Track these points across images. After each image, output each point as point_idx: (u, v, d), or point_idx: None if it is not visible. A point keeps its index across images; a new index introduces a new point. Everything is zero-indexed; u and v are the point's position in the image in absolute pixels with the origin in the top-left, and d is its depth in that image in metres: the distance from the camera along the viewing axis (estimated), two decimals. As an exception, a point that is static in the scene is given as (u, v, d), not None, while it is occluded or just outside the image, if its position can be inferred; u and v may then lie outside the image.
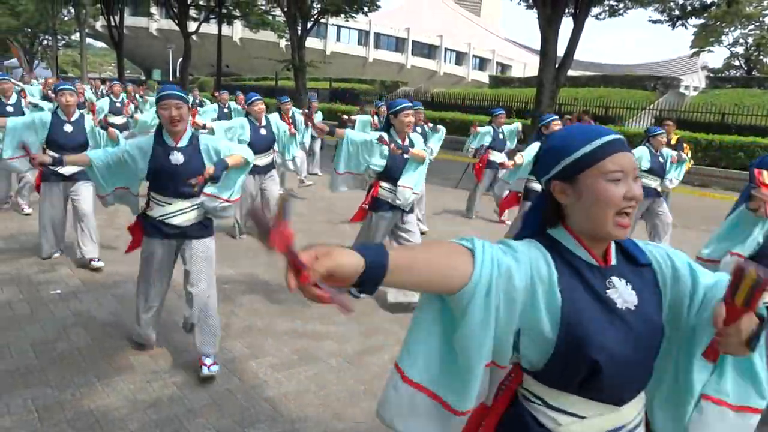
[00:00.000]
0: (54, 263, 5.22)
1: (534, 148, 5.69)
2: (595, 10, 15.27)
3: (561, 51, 13.48)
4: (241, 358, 3.58)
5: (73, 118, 4.94)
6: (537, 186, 5.17)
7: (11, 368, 3.30)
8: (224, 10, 27.72)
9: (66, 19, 44.28)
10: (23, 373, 3.26)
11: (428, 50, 62.00)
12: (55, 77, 35.44)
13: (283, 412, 3.04)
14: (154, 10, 40.33)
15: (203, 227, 3.38)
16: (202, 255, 3.35)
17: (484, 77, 54.10)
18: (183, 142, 3.22)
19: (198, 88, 29.66)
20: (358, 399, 3.20)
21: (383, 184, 4.42)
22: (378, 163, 4.40)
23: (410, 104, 4.43)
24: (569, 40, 13.23)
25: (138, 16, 48.09)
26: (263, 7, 28.33)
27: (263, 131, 6.18)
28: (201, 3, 27.93)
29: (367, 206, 4.48)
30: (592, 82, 29.43)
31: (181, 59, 28.47)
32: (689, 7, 15.64)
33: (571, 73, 17.57)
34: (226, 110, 10.48)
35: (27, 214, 6.81)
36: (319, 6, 20.87)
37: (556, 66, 13.19)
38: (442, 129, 8.33)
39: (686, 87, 26.73)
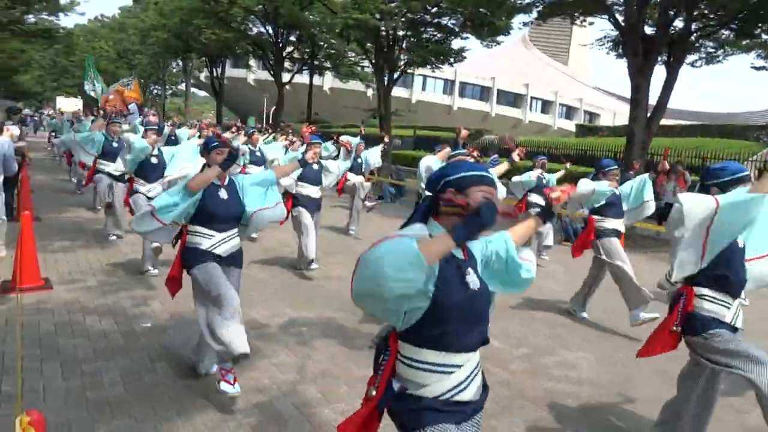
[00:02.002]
0: (147, 297, 5.52)
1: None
2: (690, 58, 14.69)
3: (654, 98, 13.02)
4: (314, 403, 3.59)
5: (226, 182, 3.79)
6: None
7: (103, 397, 3.49)
8: (316, 62, 29.18)
9: (174, 70, 48.25)
10: (112, 402, 3.43)
11: (513, 98, 61.89)
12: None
13: (352, 461, 2.99)
14: (252, 62, 43.07)
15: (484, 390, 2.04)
16: None
17: (570, 126, 53.16)
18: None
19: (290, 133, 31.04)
20: (430, 454, 3.10)
21: None
22: None
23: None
24: (662, 88, 12.76)
25: (238, 68, 51.62)
26: (352, 59, 29.55)
27: None
28: (295, 56, 29.59)
29: None
30: (688, 132, 28.12)
31: (274, 107, 30.05)
32: (796, 52, 14.69)
33: (664, 121, 16.90)
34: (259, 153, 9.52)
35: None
36: (405, 58, 21.48)
37: (648, 115, 12.72)
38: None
39: (794, 137, 24.91)
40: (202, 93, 72.79)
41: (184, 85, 46.83)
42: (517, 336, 5.22)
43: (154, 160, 6.79)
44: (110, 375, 3.80)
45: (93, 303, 5.26)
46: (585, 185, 5.47)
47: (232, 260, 3.82)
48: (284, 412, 3.47)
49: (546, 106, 63.27)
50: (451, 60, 21.59)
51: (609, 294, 7.00)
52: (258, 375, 3.96)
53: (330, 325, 5.12)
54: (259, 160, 8.98)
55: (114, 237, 7.92)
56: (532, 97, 61.83)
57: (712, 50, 14.85)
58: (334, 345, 4.64)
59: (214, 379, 3.85)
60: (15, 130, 8.67)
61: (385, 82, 20.90)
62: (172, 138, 14.47)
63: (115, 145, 8.35)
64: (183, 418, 3.30)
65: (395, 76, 21.23)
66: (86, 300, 5.33)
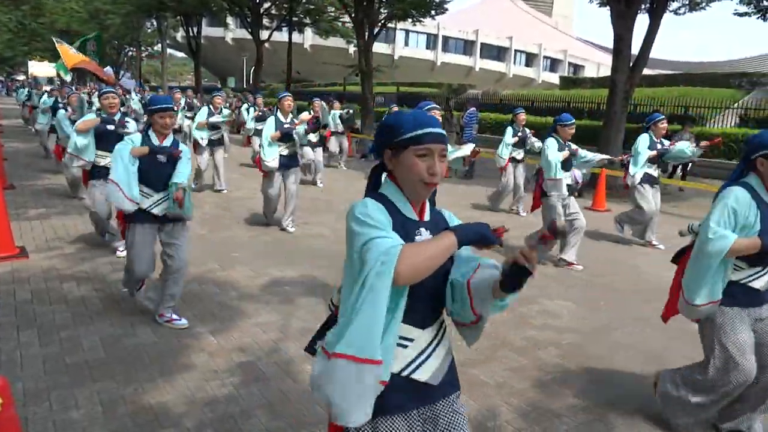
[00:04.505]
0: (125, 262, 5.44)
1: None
2: (674, 5, 14.44)
3: (636, 49, 12.85)
4: (297, 361, 3.59)
5: (426, 215, 1.97)
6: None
7: (82, 361, 3.45)
8: (295, 18, 28.38)
9: (149, 31, 46.79)
10: (92, 366, 3.40)
11: (497, 52, 61.15)
12: (139, 86, 37.45)
13: (335, 416, 3.00)
14: (229, 20, 41.88)
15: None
16: None
17: (555, 78, 52.81)
18: None
19: (270, 94, 30.50)
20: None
21: None
22: None
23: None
24: (645, 37, 12.58)
25: (215, 26, 50.24)
26: (332, 14, 28.80)
27: None
28: (273, 12, 28.73)
29: None
30: (672, 81, 28.03)
31: (253, 67, 29.38)
32: (780, -2, 14.51)
33: (648, 72, 16.78)
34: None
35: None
36: (386, 11, 20.95)
37: (631, 65, 12.58)
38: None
39: (776, 84, 24.93)
40: (180, 54, 70.89)
41: (160, 46, 45.48)
42: (500, 288, 5.25)
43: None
44: (90, 340, 3.76)
45: (71, 270, 5.18)
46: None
47: (443, 390, 1.73)
48: (266, 370, 3.47)
49: (530, 59, 62.64)
50: (433, 12, 21.11)
51: (592, 242, 7.07)
52: (240, 335, 3.95)
53: (313, 283, 5.10)
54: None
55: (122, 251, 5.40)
56: (516, 51, 61.12)
57: (696, -4, 14.62)
58: (316, 302, 4.63)
59: (195, 340, 3.83)
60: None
61: (366, 38, 20.44)
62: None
63: (110, 127, 5.58)
64: (165, 379, 3.28)
65: (376, 30, 20.74)
66: (63, 267, 5.24)
